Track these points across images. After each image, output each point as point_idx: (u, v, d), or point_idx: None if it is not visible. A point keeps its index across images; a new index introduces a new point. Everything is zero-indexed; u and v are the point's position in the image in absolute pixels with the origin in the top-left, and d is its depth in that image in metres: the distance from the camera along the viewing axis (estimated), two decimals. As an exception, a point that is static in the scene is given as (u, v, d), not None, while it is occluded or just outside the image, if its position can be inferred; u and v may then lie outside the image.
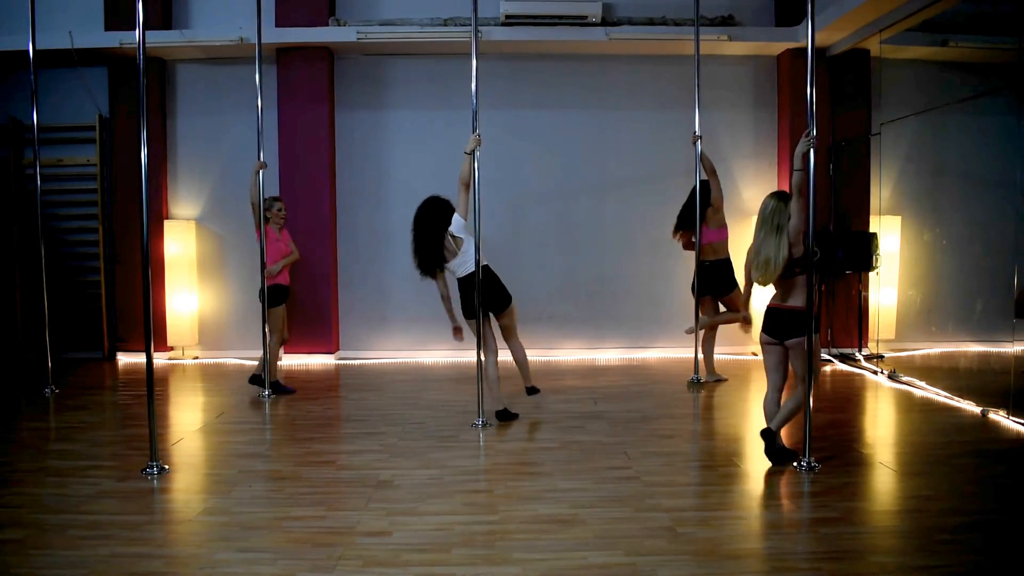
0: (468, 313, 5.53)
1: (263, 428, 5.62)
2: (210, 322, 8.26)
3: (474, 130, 5.44)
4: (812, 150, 4.40)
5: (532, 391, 5.73)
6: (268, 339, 6.39)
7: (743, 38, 7.85)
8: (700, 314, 6.73)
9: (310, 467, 4.57)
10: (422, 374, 7.43)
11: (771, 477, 4.35)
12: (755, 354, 8.20)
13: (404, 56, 8.15)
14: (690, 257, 6.79)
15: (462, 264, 5.47)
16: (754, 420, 5.78)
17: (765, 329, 4.54)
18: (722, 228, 6.63)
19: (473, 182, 5.40)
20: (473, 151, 5.39)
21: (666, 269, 7.12)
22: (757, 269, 4.42)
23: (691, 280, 6.82)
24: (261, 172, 6.32)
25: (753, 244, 4.52)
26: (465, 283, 5.47)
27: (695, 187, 6.62)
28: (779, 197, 4.48)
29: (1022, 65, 5.48)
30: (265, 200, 6.35)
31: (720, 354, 8.03)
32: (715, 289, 6.68)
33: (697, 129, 6.68)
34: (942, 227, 6.94)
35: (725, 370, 7.34)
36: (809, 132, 4.43)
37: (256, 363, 6.57)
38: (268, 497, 4.09)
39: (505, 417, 5.53)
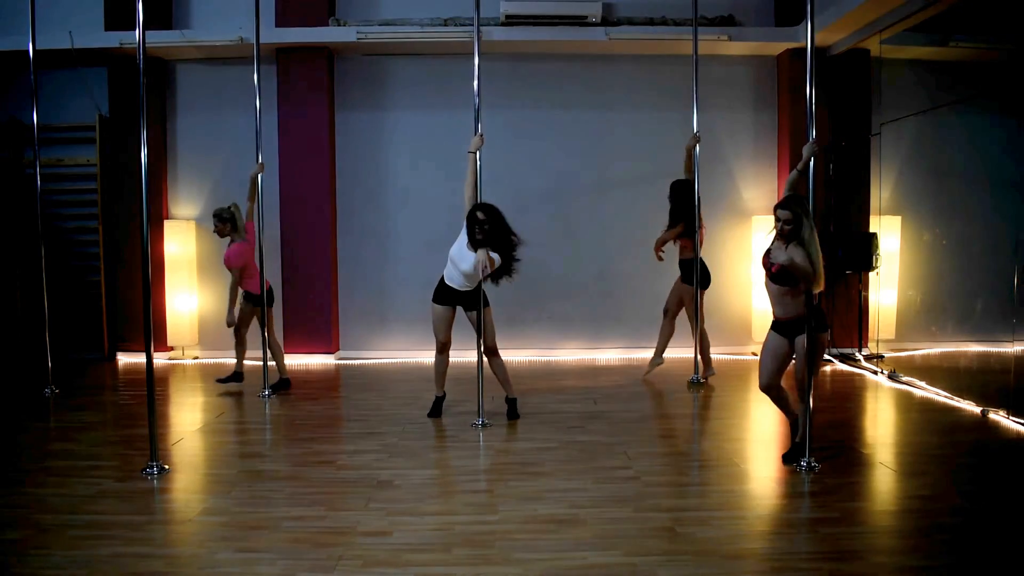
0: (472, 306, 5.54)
1: (263, 428, 5.62)
2: (210, 322, 8.26)
3: (476, 130, 5.45)
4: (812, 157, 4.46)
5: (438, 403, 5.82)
6: (268, 339, 6.47)
7: (743, 38, 7.85)
8: (699, 310, 6.74)
9: (310, 467, 4.57)
10: (422, 374, 7.42)
11: (771, 477, 4.35)
12: (755, 354, 8.19)
13: (404, 56, 8.15)
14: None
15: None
16: (754, 420, 5.78)
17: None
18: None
19: (477, 181, 5.41)
20: (476, 150, 5.40)
21: (666, 269, 7.11)
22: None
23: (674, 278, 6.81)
24: (260, 176, 6.35)
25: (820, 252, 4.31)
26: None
27: (677, 185, 6.61)
28: (801, 198, 4.42)
29: (1021, 65, 5.49)
30: (235, 207, 6.36)
31: (717, 354, 8.07)
32: (704, 285, 6.72)
33: (696, 129, 6.67)
34: (942, 227, 6.95)
35: (727, 370, 7.35)
36: (811, 139, 4.46)
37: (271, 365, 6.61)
38: (268, 497, 4.08)
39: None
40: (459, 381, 6.62)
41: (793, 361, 4.54)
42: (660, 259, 6.71)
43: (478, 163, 5.43)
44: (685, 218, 6.56)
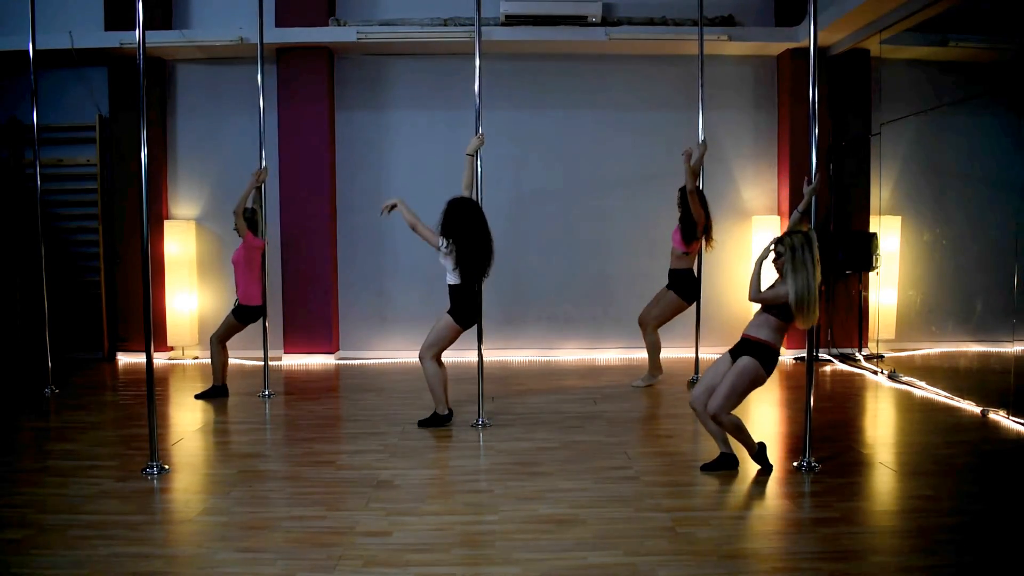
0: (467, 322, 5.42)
1: (263, 428, 5.61)
2: (210, 322, 8.24)
3: (477, 130, 5.44)
4: (814, 198, 4.48)
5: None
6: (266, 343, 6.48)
7: (743, 38, 7.84)
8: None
9: (310, 467, 4.57)
10: (422, 374, 7.41)
11: (771, 477, 4.35)
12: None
13: (404, 56, 8.16)
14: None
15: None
16: (754, 420, 5.77)
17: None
18: None
19: (473, 184, 5.40)
20: (475, 152, 5.39)
21: (666, 269, 7.12)
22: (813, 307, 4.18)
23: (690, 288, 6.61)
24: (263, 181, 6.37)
25: (810, 286, 4.15)
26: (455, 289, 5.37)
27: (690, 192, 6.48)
28: (794, 234, 4.29)
29: (1021, 65, 5.49)
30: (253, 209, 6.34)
31: (717, 354, 8.07)
32: (692, 298, 6.65)
33: (701, 130, 6.64)
34: (942, 227, 6.94)
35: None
36: (812, 179, 4.47)
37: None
38: (268, 497, 4.08)
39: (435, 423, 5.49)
40: (459, 381, 6.62)
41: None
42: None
43: (477, 164, 5.41)
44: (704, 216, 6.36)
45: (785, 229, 4.58)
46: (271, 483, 4.30)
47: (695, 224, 6.32)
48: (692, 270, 6.56)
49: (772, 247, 4.31)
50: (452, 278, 5.31)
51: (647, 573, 3.15)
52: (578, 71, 8.21)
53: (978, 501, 3.96)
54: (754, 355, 4.28)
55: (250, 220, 6.30)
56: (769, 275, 4.38)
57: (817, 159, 4.51)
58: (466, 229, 5.21)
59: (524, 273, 8.11)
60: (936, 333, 6.92)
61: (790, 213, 7.97)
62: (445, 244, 5.20)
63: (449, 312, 5.35)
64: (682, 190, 6.36)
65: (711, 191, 7.67)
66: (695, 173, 6.54)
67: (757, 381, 4.29)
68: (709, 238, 6.49)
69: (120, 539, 3.50)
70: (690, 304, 6.63)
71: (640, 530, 3.58)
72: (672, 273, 6.57)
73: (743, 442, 4.35)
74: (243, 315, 6.32)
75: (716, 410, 4.26)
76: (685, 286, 6.54)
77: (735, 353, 4.38)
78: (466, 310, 5.34)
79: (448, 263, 5.26)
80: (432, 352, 5.40)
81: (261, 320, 6.45)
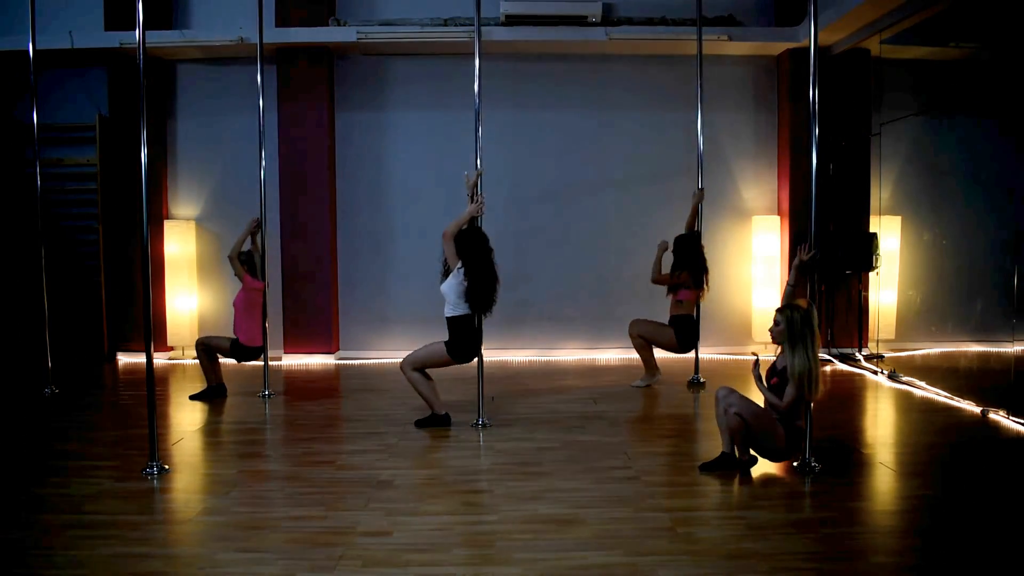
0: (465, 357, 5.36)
1: (263, 428, 5.62)
2: (210, 322, 8.26)
3: (477, 130, 5.41)
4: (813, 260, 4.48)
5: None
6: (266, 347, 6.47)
7: (743, 38, 7.85)
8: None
9: (310, 467, 4.57)
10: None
11: (771, 477, 4.35)
12: (754, 354, 8.19)
13: (404, 56, 8.16)
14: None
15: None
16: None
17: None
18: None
19: (478, 185, 5.38)
20: (475, 186, 5.32)
21: (665, 269, 7.14)
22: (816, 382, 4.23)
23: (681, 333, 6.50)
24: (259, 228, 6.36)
25: (810, 361, 4.21)
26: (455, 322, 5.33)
27: (680, 240, 6.44)
28: (795, 309, 4.29)
29: (1021, 65, 5.49)
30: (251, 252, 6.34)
31: (717, 354, 8.09)
32: (688, 347, 6.61)
33: (700, 133, 6.65)
34: (942, 227, 6.94)
35: (726, 371, 7.35)
36: (801, 250, 4.47)
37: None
38: (268, 497, 4.08)
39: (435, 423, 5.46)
40: (459, 381, 6.62)
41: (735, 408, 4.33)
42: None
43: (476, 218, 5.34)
44: (689, 270, 6.37)
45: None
46: (271, 483, 4.30)
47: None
48: (689, 316, 6.50)
49: (759, 365, 4.45)
50: (453, 309, 5.26)
51: (647, 573, 3.15)
52: (578, 71, 8.21)
53: (978, 501, 3.95)
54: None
55: (247, 262, 6.28)
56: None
57: (817, 161, 4.50)
58: (478, 257, 5.20)
59: (524, 273, 8.10)
60: (936, 333, 6.92)
61: (790, 214, 8.02)
62: (463, 270, 5.19)
63: (446, 343, 5.30)
64: (679, 238, 6.43)
65: (711, 191, 7.71)
66: (691, 224, 6.55)
67: (776, 438, 4.30)
68: (700, 287, 6.46)
69: (120, 539, 3.49)
70: (682, 351, 6.58)
71: (640, 530, 3.58)
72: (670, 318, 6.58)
73: (740, 448, 4.37)
74: (240, 352, 6.30)
75: (736, 409, 4.28)
76: (679, 331, 6.49)
77: None
78: (465, 345, 5.30)
79: (456, 291, 5.21)
80: (415, 367, 5.38)
81: (261, 322, 6.44)
